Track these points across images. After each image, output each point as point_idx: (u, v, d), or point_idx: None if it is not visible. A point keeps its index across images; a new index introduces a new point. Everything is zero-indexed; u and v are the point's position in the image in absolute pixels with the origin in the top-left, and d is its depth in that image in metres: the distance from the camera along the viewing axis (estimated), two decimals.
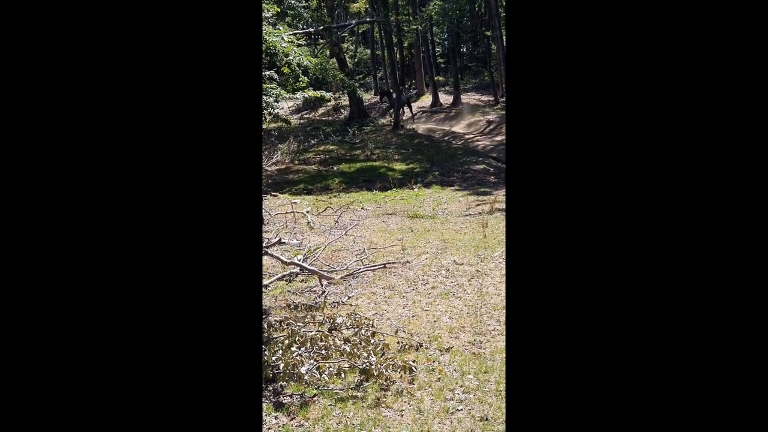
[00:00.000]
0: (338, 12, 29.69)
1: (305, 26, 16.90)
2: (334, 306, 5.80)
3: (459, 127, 23.40)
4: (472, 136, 21.69)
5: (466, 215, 10.41)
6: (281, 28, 10.63)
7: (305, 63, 9.62)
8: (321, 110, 30.06)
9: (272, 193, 13.85)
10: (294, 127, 24.73)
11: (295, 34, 18.61)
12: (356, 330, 4.65)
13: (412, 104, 28.52)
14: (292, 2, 14.75)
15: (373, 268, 7.04)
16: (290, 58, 9.69)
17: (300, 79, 10.21)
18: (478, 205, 11.16)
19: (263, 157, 18.24)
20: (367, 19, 26.12)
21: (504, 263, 6.99)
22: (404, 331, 5.06)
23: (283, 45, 9.38)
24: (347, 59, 33.35)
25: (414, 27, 24.57)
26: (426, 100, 28.85)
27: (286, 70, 10.10)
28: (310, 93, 9.51)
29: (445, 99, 28.09)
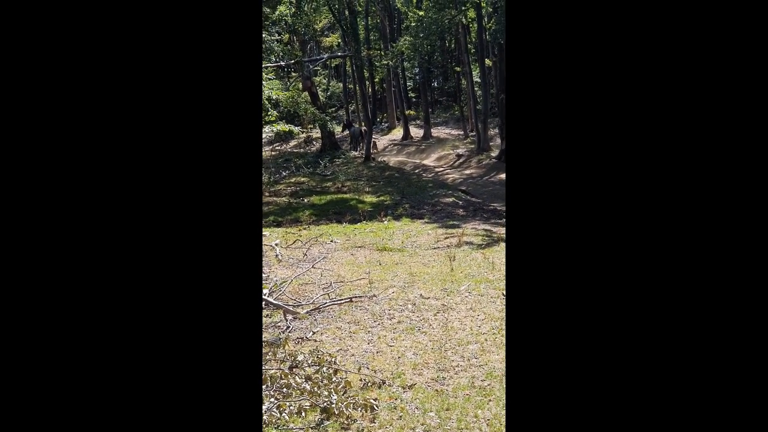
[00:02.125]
0: (311, 46, 29.98)
1: (277, 60, 17.01)
2: (298, 342, 5.72)
3: (429, 160, 23.62)
4: (442, 169, 21.89)
5: (435, 248, 10.42)
6: None
7: (275, 97, 9.68)
8: (293, 142, 30.11)
9: None
10: (265, 159, 24.73)
11: (266, 68, 18.73)
12: (318, 367, 4.58)
13: (383, 137, 28.78)
14: (263, 36, 14.86)
15: (339, 302, 6.98)
16: None
17: (269, 113, 10.26)
18: (446, 238, 11.19)
19: None
20: (339, 54, 26.42)
21: (471, 297, 6.99)
22: (368, 368, 5.00)
23: None
24: (320, 93, 33.63)
25: (385, 62, 24.89)
26: (397, 133, 29.13)
27: None
28: (279, 127, 9.54)
29: (416, 132, 28.38)
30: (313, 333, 5.97)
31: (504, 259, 8.93)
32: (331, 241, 11.51)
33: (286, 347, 5.37)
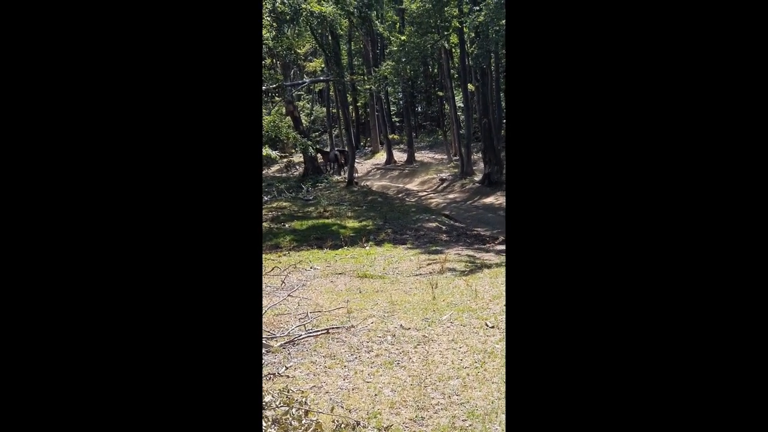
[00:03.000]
0: (294, 71, 29.89)
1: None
2: (269, 378, 5.38)
3: (413, 185, 23.46)
4: (425, 193, 21.71)
5: (417, 275, 10.14)
6: None
7: None
8: (275, 167, 29.90)
9: None
10: None
11: None
12: (287, 408, 4.26)
13: (367, 162, 28.67)
14: None
15: (315, 333, 6.66)
16: None
17: None
18: (429, 264, 10.92)
19: None
20: (321, 78, 26.31)
21: (453, 327, 6.70)
22: (342, 407, 4.68)
23: None
24: (303, 117, 33.52)
25: (367, 87, 24.81)
26: (381, 157, 29.01)
27: None
28: None
29: (400, 156, 28.27)
30: (286, 368, 5.64)
31: (487, 287, 8.66)
32: (311, 268, 11.20)
33: None
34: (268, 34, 15.75)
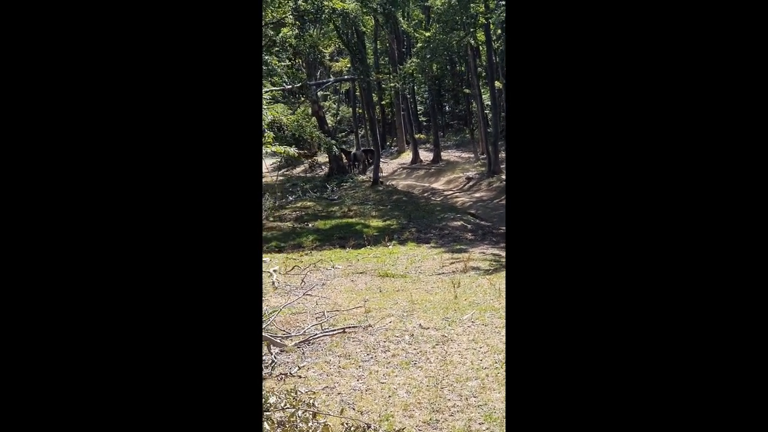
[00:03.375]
0: (321, 71, 29.87)
1: (281, 83, 16.70)
2: (281, 378, 5.21)
3: (439, 184, 23.16)
4: (451, 192, 21.41)
5: (439, 274, 9.90)
6: None
7: (269, 117, 9.28)
8: (300, 168, 29.86)
9: None
10: (272, 184, 24.40)
11: (270, 91, 18.50)
12: (294, 410, 4.07)
13: (393, 161, 28.48)
14: (266, 58, 14.55)
15: (331, 333, 6.47)
16: None
17: (265, 134, 9.85)
18: (452, 263, 10.67)
19: None
20: (346, 77, 26.18)
21: (474, 327, 6.46)
22: (353, 409, 4.48)
23: None
24: (329, 117, 33.45)
25: (392, 85, 24.58)
26: (407, 156, 28.76)
27: None
28: (273, 149, 9.09)
29: (426, 156, 27.99)
30: (299, 368, 5.46)
31: None
32: (332, 267, 11.03)
33: (265, 383, 4.87)
34: (290, 32, 15.66)
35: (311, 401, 4.32)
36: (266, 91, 16.27)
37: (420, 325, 6.64)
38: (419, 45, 21.85)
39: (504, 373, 5.02)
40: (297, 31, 15.69)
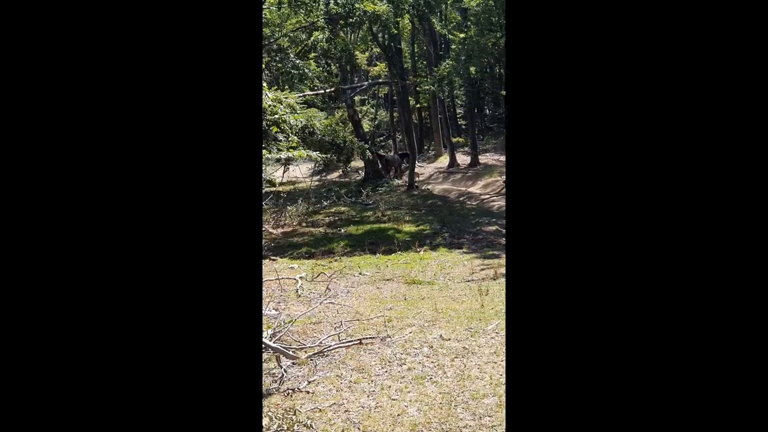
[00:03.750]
0: (359, 76, 29.74)
1: (312, 87, 16.57)
2: (288, 394, 4.95)
3: (475, 188, 22.72)
4: (488, 196, 20.94)
5: (468, 281, 9.54)
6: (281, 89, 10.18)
7: (291, 121, 9.11)
8: (337, 173, 29.79)
9: (271, 257, 13.12)
10: (307, 189, 24.31)
11: (304, 96, 18.38)
12: None
13: (429, 165, 28.15)
14: (297, 62, 14.44)
15: (347, 344, 6.20)
16: (276, 116, 9.17)
17: (290, 138, 9.68)
18: (482, 269, 10.29)
19: (269, 220, 17.68)
20: (381, 81, 25.95)
21: (498, 338, 6.11)
22: (359, 428, 4.19)
23: (268, 103, 8.86)
24: (367, 122, 33.29)
25: (426, 87, 24.23)
26: (444, 161, 28.39)
27: (274, 129, 9.57)
28: (295, 153, 8.90)
29: (464, 160, 27.57)
30: (308, 383, 5.20)
31: None
32: (359, 274, 10.77)
33: (271, 400, 4.62)
34: (321, 35, 15.51)
35: (310, 423, 4.04)
36: (299, 96, 16.13)
37: (441, 336, 6.31)
38: (453, 47, 21.46)
39: None
40: (329, 34, 15.52)
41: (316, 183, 26.90)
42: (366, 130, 33.87)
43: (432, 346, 5.98)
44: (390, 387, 5.01)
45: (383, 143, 36.54)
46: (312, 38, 15.86)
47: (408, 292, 8.87)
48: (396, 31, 22.56)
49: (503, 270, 9.97)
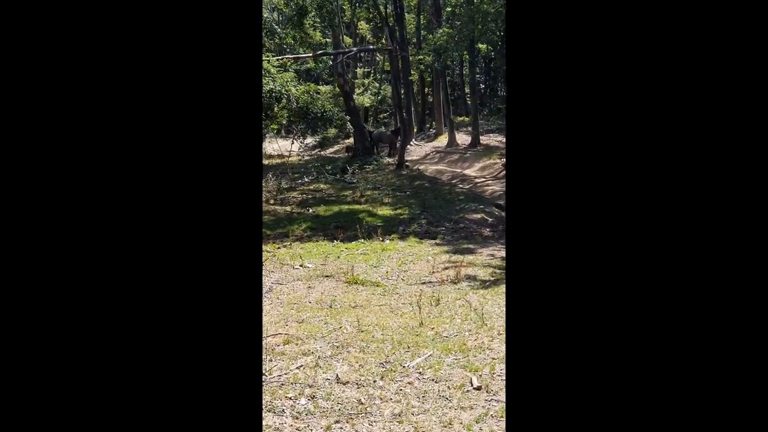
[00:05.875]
0: (357, 43, 27.57)
1: (289, 50, 14.54)
2: None
3: (472, 170, 20.64)
4: (483, 179, 18.86)
5: (423, 283, 7.61)
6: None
7: (285, 91, 7.23)
8: (336, 147, 27.87)
9: None
10: (296, 164, 22.35)
11: (281, 59, 16.35)
12: None
13: (428, 144, 26.16)
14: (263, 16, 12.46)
15: None
16: None
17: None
18: (446, 268, 8.33)
19: None
20: (371, 47, 23.78)
21: (419, 383, 4.19)
22: None
23: None
24: (370, 97, 31.20)
25: (419, 58, 22.00)
26: (444, 140, 26.34)
27: None
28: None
29: (465, 139, 25.51)
30: None
31: (502, 310, 6.02)
32: (300, 266, 8.88)
33: None
34: None
35: None
36: (278, 59, 14.10)
37: (337, 377, 4.38)
38: (449, 9, 19.24)
39: None
40: None
41: (308, 158, 24.93)
42: (368, 104, 31.79)
43: (313, 397, 4.04)
44: None
45: (386, 120, 34.49)
46: None
47: (341, 297, 6.96)
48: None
49: (469, 271, 8.03)
